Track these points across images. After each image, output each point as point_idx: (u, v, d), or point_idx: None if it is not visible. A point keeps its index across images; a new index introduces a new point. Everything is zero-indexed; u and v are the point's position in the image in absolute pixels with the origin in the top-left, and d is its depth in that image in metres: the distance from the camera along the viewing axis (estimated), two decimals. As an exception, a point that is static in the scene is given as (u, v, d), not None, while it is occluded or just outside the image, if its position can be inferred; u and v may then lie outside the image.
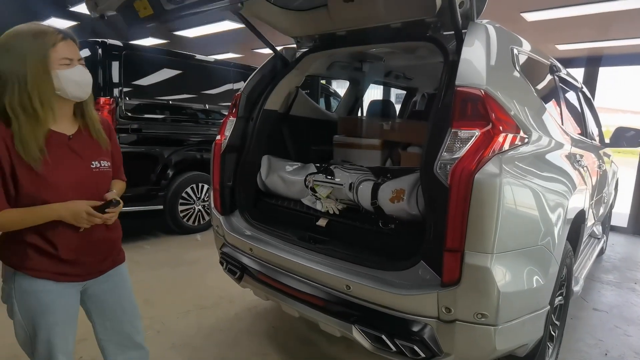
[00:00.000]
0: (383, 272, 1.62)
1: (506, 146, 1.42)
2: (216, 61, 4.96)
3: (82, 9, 5.80)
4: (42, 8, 6.04)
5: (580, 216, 2.13)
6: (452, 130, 1.43)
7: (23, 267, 1.22)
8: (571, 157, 2.05)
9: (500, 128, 1.42)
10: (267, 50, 2.44)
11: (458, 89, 1.46)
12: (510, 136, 1.46)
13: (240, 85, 4.74)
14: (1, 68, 1.13)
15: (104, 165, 1.33)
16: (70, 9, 5.85)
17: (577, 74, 5.88)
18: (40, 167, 1.15)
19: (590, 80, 6.01)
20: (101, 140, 1.35)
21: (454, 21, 1.58)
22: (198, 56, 4.65)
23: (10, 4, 6.03)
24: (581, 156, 2.24)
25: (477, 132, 1.39)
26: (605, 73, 6.18)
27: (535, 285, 1.53)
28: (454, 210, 1.36)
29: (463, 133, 1.41)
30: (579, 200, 2.03)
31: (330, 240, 1.96)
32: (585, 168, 2.26)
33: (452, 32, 1.70)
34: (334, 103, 6.65)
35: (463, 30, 1.63)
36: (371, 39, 2.14)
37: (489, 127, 1.40)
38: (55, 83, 1.17)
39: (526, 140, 1.55)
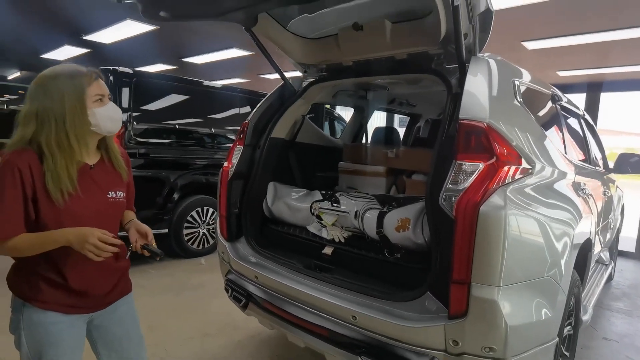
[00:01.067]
0: (389, 303, 1.61)
1: (510, 178, 1.44)
2: (222, 87, 5.07)
3: (95, 37, 5.99)
4: (57, 36, 6.24)
5: (587, 244, 2.12)
6: (457, 162, 1.45)
7: (33, 299, 1.23)
8: (575, 186, 2.06)
9: (504, 160, 1.45)
10: (273, 76, 2.50)
11: (462, 122, 1.49)
12: (514, 168, 1.48)
13: (246, 109, 4.84)
14: (40, 108, 1.18)
15: (120, 196, 1.36)
16: (84, 38, 6.04)
17: (579, 99, 5.95)
18: (63, 202, 1.18)
19: (593, 106, 6.06)
20: (122, 172, 1.39)
21: (459, 53, 1.63)
22: (205, 82, 4.77)
23: (26, 33, 6.25)
24: (585, 184, 2.25)
25: (481, 165, 1.42)
26: (609, 96, 6.22)
27: (543, 317, 1.52)
28: (460, 242, 1.37)
29: (467, 166, 1.43)
30: (585, 229, 2.03)
31: (336, 269, 1.96)
32: (589, 195, 2.27)
33: (456, 65, 1.75)
34: (338, 127, 6.73)
35: (466, 64, 1.68)
36: (377, 71, 2.20)
37: (493, 160, 1.42)
38: (92, 120, 1.23)
39: (530, 171, 1.57)
